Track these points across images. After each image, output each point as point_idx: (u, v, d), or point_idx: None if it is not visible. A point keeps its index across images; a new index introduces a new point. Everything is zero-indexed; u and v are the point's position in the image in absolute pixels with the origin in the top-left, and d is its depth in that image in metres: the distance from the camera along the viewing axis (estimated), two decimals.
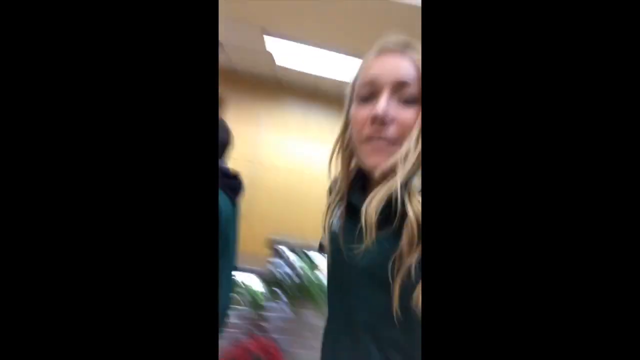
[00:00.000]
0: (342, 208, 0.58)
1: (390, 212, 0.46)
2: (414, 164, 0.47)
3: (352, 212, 0.54)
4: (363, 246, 0.47)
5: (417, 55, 0.51)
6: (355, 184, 0.57)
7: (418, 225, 0.43)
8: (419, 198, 0.45)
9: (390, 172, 0.48)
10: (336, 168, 0.59)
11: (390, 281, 0.45)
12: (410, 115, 0.49)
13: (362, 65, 0.55)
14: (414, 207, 0.44)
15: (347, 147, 0.58)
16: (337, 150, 0.58)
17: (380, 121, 0.48)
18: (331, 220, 0.59)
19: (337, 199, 0.59)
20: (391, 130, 0.49)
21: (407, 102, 0.49)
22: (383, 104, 0.49)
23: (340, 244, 0.55)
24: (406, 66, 0.50)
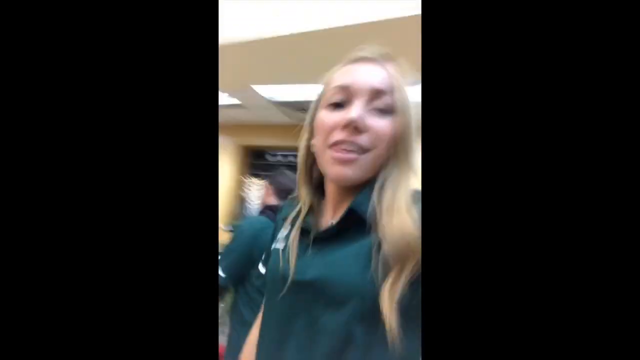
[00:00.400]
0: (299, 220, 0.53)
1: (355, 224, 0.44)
2: (393, 177, 0.45)
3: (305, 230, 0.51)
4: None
5: (395, 66, 0.48)
6: (315, 194, 0.54)
7: (396, 250, 0.39)
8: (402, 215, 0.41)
9: (357, 184, 0.47)
10: (300, 176, 0.56)
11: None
12: (385, 125, 0.46)
13: (333, 71, 0.52)
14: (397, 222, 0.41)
15: (309, 156, 0.54)
16: (303, 160, 0.55)
17: (354, 126, 0.45)
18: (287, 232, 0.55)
19: (298, 209, 0.55)
20: (364, 139, 0.45)
21: (382, 111, 0.46)
22: (358, 109, 0.45)
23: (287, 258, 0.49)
24: (383, 75, 0.47)
